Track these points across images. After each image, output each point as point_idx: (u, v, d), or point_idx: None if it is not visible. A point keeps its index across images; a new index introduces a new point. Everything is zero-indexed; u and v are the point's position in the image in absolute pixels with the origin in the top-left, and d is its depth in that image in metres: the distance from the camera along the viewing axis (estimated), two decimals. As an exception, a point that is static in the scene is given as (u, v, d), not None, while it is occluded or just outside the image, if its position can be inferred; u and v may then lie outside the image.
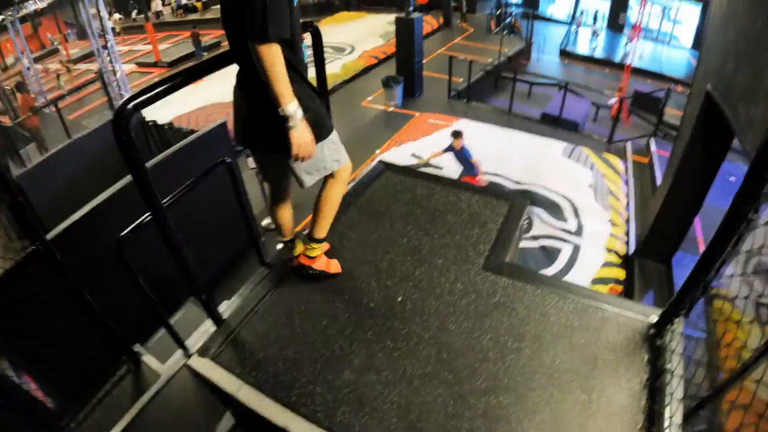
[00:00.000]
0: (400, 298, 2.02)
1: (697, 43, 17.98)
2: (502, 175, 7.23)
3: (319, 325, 1.92)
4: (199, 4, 23.58)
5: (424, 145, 8.19)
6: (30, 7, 11.51)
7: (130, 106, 1.36)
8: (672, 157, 5.47)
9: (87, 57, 16.83)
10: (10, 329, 2.67)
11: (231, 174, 2.33)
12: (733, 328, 1.90)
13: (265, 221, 6.18)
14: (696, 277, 1.55)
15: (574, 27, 18.25)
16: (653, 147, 8.24)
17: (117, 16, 29.10)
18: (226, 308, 2.06)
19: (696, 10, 17.71)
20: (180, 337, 2.68)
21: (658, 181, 6.75)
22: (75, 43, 21.52)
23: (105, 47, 9.79)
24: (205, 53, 16.06)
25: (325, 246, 2.11)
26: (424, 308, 1.97)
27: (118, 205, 3.26)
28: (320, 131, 1.72)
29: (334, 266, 2.14)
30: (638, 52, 13.83)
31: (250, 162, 5.47)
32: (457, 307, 1.97)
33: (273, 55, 1.43)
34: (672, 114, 10.10)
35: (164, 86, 1.46)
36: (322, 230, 2.04)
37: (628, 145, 8.55)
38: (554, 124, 9.35)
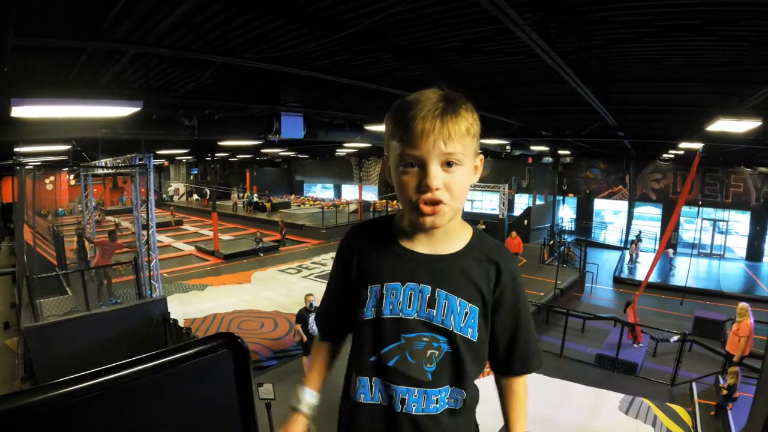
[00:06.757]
0: None
1: (751, 254, 17.57)
2: (548, 439, 5.59)
3: None
4: (268, 205, 24.66)
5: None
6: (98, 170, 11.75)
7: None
8: (754, 414, 3.79)
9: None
10: None
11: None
12: None
13: None
14: None
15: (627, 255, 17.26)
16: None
17: (195, 197, 30.68)
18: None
19: (746, 218, 17.69)
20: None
21: (733, 429, 5.49)
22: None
23: (146, 228, 9.12)
24: (262, 254, 16.28)
25: None
26: None
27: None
28: None
29: None
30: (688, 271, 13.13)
31: (263, 391, 4.58)
32: None
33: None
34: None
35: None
36: None
37: (695, 387, 7.08)
38: (611, 367, 8.10)
